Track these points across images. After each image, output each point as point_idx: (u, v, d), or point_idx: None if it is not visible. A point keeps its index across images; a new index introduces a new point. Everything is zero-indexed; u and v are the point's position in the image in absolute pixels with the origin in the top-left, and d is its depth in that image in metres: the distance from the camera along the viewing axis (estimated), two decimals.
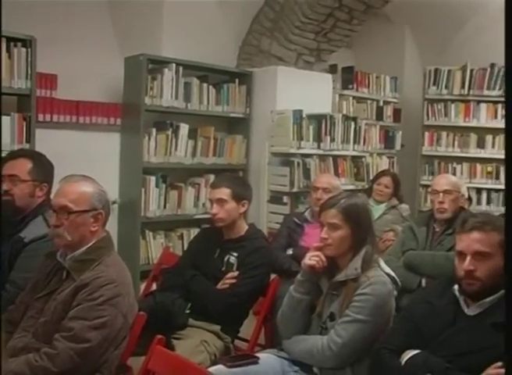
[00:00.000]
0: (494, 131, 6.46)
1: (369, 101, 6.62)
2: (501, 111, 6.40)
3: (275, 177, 4.85)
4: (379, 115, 6.70)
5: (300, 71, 5.29)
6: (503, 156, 6.40)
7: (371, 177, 5.20)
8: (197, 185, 4.95)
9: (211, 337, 2.84)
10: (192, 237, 4.29)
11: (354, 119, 5.34)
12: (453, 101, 6.56)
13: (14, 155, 2.86)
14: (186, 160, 4.78)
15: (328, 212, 2.41)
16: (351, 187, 5.18)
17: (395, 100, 6.94)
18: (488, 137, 6.48)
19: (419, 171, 6.67)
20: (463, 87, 6.47)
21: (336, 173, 5.04)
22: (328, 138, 5.00)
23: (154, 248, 4.71)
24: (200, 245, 3.21)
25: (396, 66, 7.00)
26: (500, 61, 6.10)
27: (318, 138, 4.94)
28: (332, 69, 6.06)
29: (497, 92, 6.37)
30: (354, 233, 2.38)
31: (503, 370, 1.81)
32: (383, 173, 4.91)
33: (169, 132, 4.64)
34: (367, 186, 5.17)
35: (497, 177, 6.48)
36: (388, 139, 6.73)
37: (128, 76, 4.61)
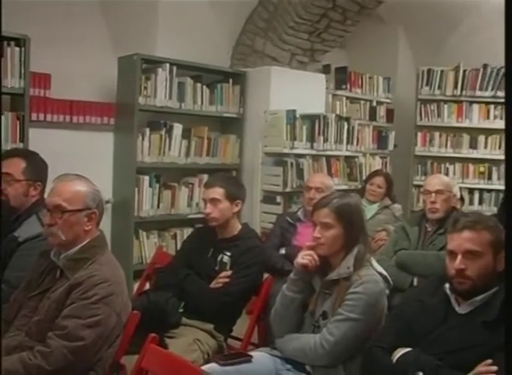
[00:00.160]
0: (486, 132, 6.50)
1: (362, 102, 6.64)
2: (493, 111, 6.47)
3: (269, 177, 4.86)
4: (372, 115, 6.71)
5: (294, 71, 5.30)
6: (495, 156, 6.49)
7: (364, 177, 5.21)
8: (190, 185, 4.95)
9: (205, 335, 2.86)
10: (185, 236, 4.29)
11: (347, 119, 5.35)
12: (445, 101, 6.59)
13: (7, 155, 2.85)
14: (180, 160, 4.78)
15: (321, 211, 2.43)
16: (344, 187, 5.19)
17: (388, 100, 6.96)
18: (481, 138, 6.52)
19: (412, 171, 6.69)
20: (455, 87, 6.51)
21: (329, 173, 5.04)
22: (322, 138, 5.01)
23: (147, 247, 4.71)
24: (193, 245, 3.22)
25: (389, 66, 7.02)
26: (493, 62, 6.18)
27: (312, 138, 4.95)
28: (326, 70, 6.07)
29: (490, 93, 6.42)
30: (347, 233, 2.40)
31: (493, 367, 1.84)
32: (376, 173, 4.92)
33: (163, 132, 4.64)
34: (360, 186, 5.18)
35: (489, 177, 6.53)
36: (381, 139, 6.74)
37: (122, 75, 4.61)
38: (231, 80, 5.10)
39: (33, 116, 4.07)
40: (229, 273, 2.98)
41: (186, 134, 4.81)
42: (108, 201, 4.46)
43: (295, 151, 4.85)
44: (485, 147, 6.51)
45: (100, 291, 2.15)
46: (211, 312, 2.88)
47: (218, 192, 3.05)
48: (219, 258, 3.06)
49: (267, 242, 3.87)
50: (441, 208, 3.46)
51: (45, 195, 2.59)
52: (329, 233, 2.39)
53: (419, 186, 6.32)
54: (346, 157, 5.39)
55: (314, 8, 5.02)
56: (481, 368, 1.87)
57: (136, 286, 3.82)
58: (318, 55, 5.63)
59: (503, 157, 6.26)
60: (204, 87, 4.93)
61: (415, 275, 3.29)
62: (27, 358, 2.05)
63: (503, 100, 6.27)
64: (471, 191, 6.57)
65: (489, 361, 1.86)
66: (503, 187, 5.74)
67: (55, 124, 4.28)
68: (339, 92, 6.31)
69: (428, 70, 6.58)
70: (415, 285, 3.22)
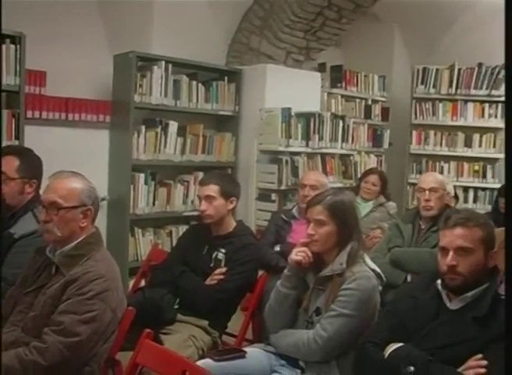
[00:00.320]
0: (481, 130, 6.54)
1: (357, 100, 6.65)
2: (488, 110, 6.49)
3: (264, 175, 4.88)
4: (367, 113, 6.73)
5: (289, 69, 5.32)
6: (489, 155, 6.51)
7: (359, 175, 5.23)
8: (186, 182, 4.96)
9: (199, 332, 2.87)
10: (181, 234, 4.30)
11: (342, 117, 5.36)
12: (440, 100, 6.62)
13: (1, 153, 2.85)
14: (175, 157, 4.79)
15: (315, 208, 2.45)
16: (339, 184, 5.22)
17: (383, 99, 6.98)
18: (476, 136, 6.55)
19: (407, 169, 6.72)
20: (450, 86, 6.53)
21: (324, 171, 5.06)
22: (317, 136, 5.03)
23: (143, 244, 4.73)
24: (188, 242, 3.24)
25: (384, 64, 7.04)
26: (487, 60, 6.21)
27: (307, 136, 4.97)
28: (321, 68, 6.09)
29: (484, 91, 6.45)
30: (340, 230, 2.42)
31: (483, 362, 1.86)
32: (371, 171, 4.95)
33: (158, 129, 4.65)
34: (355, 184, 5.20)
35: (484, 176, 6.56)
36: (376, 137, 6.76)
37: (117, 73, 4.62)
38: (226, 78, 5.11)
39: (29, 114, 4.08)
40: (223, 269, 3.00)
41: (181, 132, 4.82)
42: (103, 199, 4.48)
43: (290, 149, 4.87)
44: (480, 145, 6.54)
45: (95, 287, 2.17)
46: (206, 308, 2.90)
47: (212, 189, 3.06)
48: (214, 255, 3.07)
49: (262, 239, 3.88)
50: (435, 206, 3.49)
51: (41, 192, 2.60)
52: (323, 230, 2.41)
53: (414, 184, 6.32)
54: (342, 155, 5.41)
55: (310, 7, 5.04)
56: (471, 362, 1.89)
57: (131, 283, 3.84)
58: (313, 54, 5.65)
59: (497, 155, 6.34)
60: (200, 84, 4.94)
61: (409, 272, 3.31)
62: (23, 354, 2.06)
63: (497, 99, 6.33)
64: (465, 189, 6.61)
65: (480, 356, 1.89)
66: (497, 186, 5.79)
67: (50, 121, 4.29)
68: (334, 90, 6.33)
69: (424, 69, 6.61)
70: (409, 282, 3.24)
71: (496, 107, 6.44)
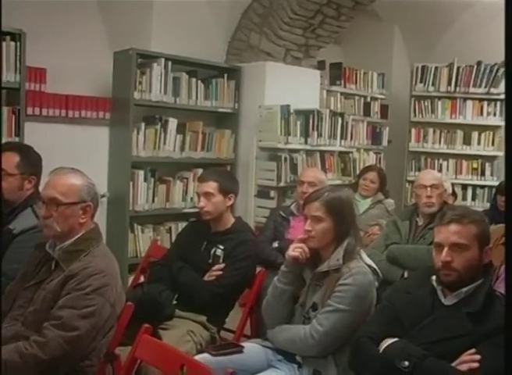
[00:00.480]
0: (480, 128, 6.55)
1: (357, 97, 6.66)
2: (487, 108, 6.50)
3: (263, 172, 4.89)
4: (367, 111, 6.74)
5: (289, 67, 5.33)
6: (488, 153, 6.52)
7: (358, 173, 5.24)
8: (185, 179, 4.98)
9: (198, 327, 2.90)
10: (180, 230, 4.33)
11: (341, 114, 5.38)
12: (439, 98, 6.63)
13: (1, 149, 2.87)
14: (175, 154, 4.81)
15: (312, 205, 2.47)
16: (338, 181, 5.24)
17: (382, 96, 6.99)
18: (474, 134, 6.56)
19: (406, 167, 6.74)
20: (449, 84, 6.54)
21: (323, 168, 5.08)
22: (316, 134, 5.04)
23: (142, 241, 4.74)
24: (187, 238, 3.27)
25: (383, 62, 7.06)
26: (486, 59, 6.22)
27: (306, 133, 4.99)
28: (320, 65, 6.10)
29: (483, 89, 6.46)
30: (337, 226, 2.44)
31: (476, 356, 1.88)
32: (369, 169, 4.97)
33: (158, 126, 4.67)
34: (353, 181, 5.22)
35: (482, 173, 6.58)
36: (375, 135, 6.77)
37: (117, 70, 4.63)
38: (226, 75, 5.12)
39: (29, 111, 4.10)
40: (221, 265, 3.02)
41: (181, 129, 4.83)
42: (103, 196, 4.49)
43: (289, 146, 4.88)
44: (479, 143, 6.55)
45: (94, 282, 2.19)
46: (204, 303, 2.93)
47: (211, 186, 3.09)
48: (212, 252, 3.10)
49: (260, 236, 3.91)
50: (436, 203, 3.51)
51: (40, 188, 2.62)
52: (320, 227, 2.43)
53: (413, 181, 6.34)
54: (340, 152, 5.43)
55: (309, 4, 5.05)
56: (465, 357, 1.91)
57: (131, 279, 3.86)
58: (312, 51, 5.66)
59: (496, 153, 6.36)
60: (199, 82, 4.95)
61: (406, 269, 3.34)
62: (23, 348, 2.08)
63: (496, 97, 6.34)
64: (464, 186, 6.62)
65: (473, 350, 1.91)
66: (495, 183, 5.81)
67: (50, 118, 4.31)
68: (333, 88, 6.34)
69: (423, 67, 6.62)
70: (404, 277, 3.27)
71: (495, 105, 6.45)
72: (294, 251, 2.45)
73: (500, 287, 2.30)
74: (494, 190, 5.28)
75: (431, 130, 6.69)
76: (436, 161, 6.71)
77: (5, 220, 2.70)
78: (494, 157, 6.50)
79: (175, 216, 5.00)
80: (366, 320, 2.31)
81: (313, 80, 5.48)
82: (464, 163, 6.64)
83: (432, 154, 6.73)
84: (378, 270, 2.47)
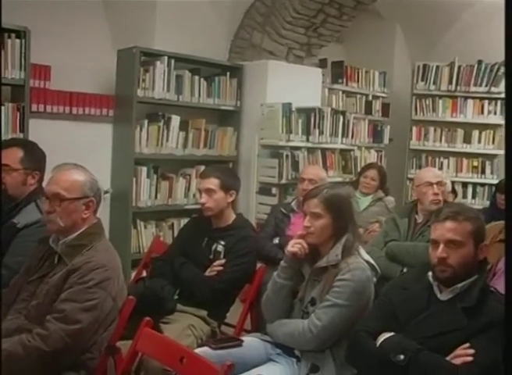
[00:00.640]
0: (480, 127, 6.59)
1: (358, 96, 6.69)
2: (487, 107, 6.54)
3: (265, 169, 4.92)
4: (368, 109, 6.77)
5: (291, 65, 5.35)
6: (488, 151, 6.53)
7: (359, 170, 5.27)
8: (188, 176, 5.01)
9: (198, 321, 2.93)
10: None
11: (343, 112, 5.40)
12: (440, 96, 6.67)
13: (5, 145, 2.91)
14: (178, 151, 4.84)
15: (311, 201, 2.50)
16: (339, 179, 5.27)
17: (384, 95, 7.01)
18: (475, 133, 6.60)
19: (407, 165, 6.78)
20: (450, 83, 6.58)
21: (325, 166, 5.11)
22: (317, 131, 5.07)
23: (145, 237, 4.78)
24: (189, 234, 3.30)
25: (385, 61, 7.09)
26: (487, 58, 6.24)
27: (307, 131, 5.01)
28: (322, 64, 6.12)
29: (484, 88, 6.49)
30: (335, 222, 2.47)
31: (470, 351, 1.92)
32: (370, 166, 5.00)
33: (161, 123, 4.70)
34: (354, 178, 5.25)
35: (483, 172, 6.61)
36: (376, 133, 6.80)
37: (121, 68, 4.66)
38: (228, 74, 5.15)
39: (34, 107, 4.13)
40: (222, 261, 3.05)
41: (183, 126, 4.86)
42: (106, 192, 4.53)
43: (291, 143, 4.91)
44: (479, 142, 6.60)
45: (96, 276, 2.22)
46: (205, 298, 2.96)
47: (213, 183, 3.12)
48: (214, 247, 3.13)
49: (261, 232, 3.95)
50: (442, 200, 3.54)
51: (44, 183, 2.66)
52: (319, 223, 2.46)
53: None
54: (342, 150, 5.45)
55: (311, 4, 5.08)
56: (459, 351, 1.95)
57: (133, 274, 3.90)
58: (314, 50, 5.68)
59: (496, 151, 6.39)
60: (202, 79, 4.97)
61: (405, 265, 3.36)
62: (26, 340, 2.12)
63: (497, 96, 6.37)
64: (464, 184, 6.66)
65: (467, 345, 1.95)
66: (495, 181, 5.84)
67: (54, 115, 4.34)
68: (335, 86, 6.37)
69: (424, 66, 6.66)
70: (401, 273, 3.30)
71: (495, 104, 6.48)
72: (293, 246, 2.48)
73: (497, 284, 2.33)
74: (494, 188, 5.31)
75: (432, 129, 6.73)
76: (437, 159, 6.75)
77: (9, 215, 2.73)
78: (494, 155, 6.53)
79: (177, 213, 5.02)
80: (364, 315, 2.34)
81: (315, 79, 5.50)
82: (465, 161, 6.68)
83: (433, 152, 6.77)
84: (376, 266, 2.50)
